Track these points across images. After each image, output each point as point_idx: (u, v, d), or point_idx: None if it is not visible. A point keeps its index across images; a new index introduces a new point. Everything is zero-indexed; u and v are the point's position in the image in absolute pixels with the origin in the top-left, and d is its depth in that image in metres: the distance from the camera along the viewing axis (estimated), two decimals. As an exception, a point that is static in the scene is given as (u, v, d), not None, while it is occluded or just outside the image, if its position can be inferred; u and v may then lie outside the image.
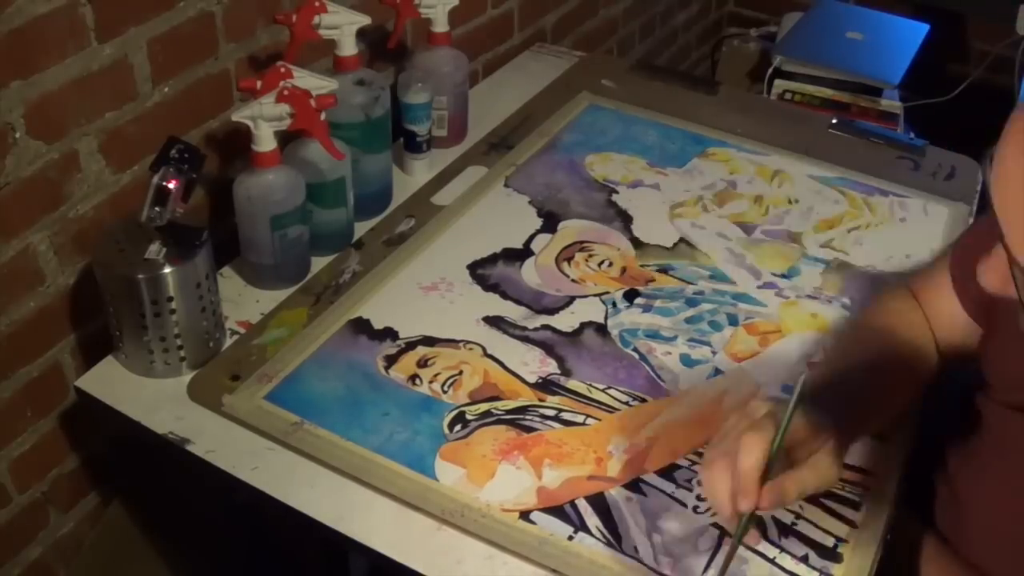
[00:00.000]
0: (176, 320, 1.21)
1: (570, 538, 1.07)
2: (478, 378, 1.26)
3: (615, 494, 1.12)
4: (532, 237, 1.50)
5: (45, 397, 1.34)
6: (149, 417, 1.19)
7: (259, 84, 1.29)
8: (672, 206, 1.59)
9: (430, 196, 1.58)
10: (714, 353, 1.32)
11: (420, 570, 1.05)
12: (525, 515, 1.10)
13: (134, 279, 1.17)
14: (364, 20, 1.43)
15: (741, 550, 1.04)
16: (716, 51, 3.19)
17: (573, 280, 1.43)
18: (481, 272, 1.43)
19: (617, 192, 1.61)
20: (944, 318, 1.20)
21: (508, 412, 1.22)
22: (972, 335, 1.16)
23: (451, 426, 1.19)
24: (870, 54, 2.58)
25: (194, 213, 1.34)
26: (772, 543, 1.08)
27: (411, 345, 1.30)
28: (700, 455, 1.16)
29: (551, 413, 1.22)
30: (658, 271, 1.45)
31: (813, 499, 1.12)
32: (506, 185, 1.61)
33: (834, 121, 1.84)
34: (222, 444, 1.16)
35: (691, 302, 1.39)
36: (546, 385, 1.26)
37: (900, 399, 1.17)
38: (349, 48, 1.44)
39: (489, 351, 1.30)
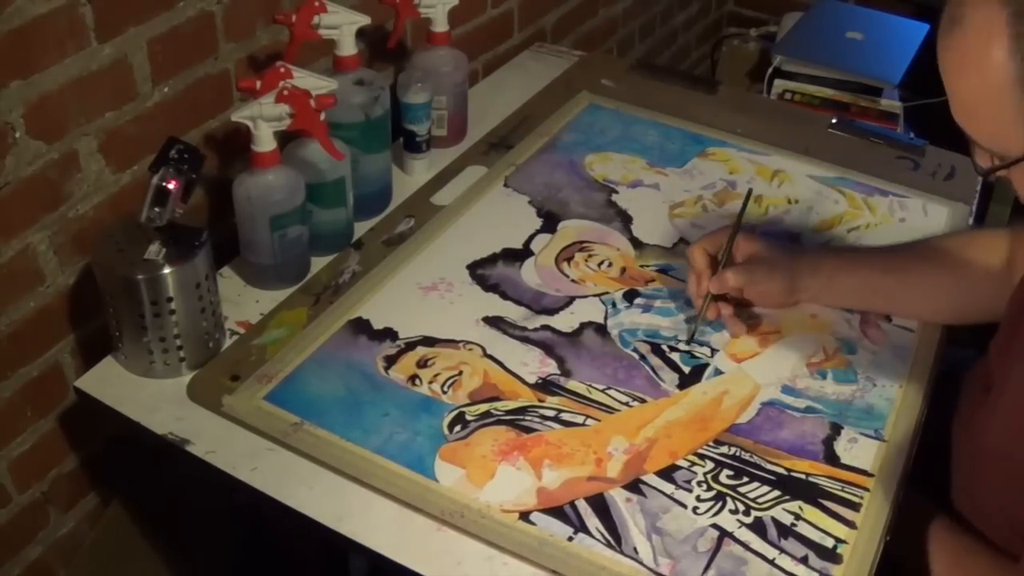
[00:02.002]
0: (176, 320, 1.20)
1: (570, 539, 1.07)
2: (478, 378, 1.26)
3: (615, 495, 1.12)
4: (532, 237, 1.50)
5: (45, 397, 1.34)
6: (149, 417, 1.19)
7: (259, 84, 1.29)
8: (672, 206, 1.59)
9: (430, 196, 1.57)
10: (714, 353, 1.32)
11: (420, 571, 1.04)
12: (525, 516, 1.09)
13: (134, 279, 1.17)
14: (364, 20, 1.43)
15: (741, 550, 1.07)
16: (716, 51, 3.19)
17: (573, 280, 1.43)
18: (481, 272, 1.43)
19: (617, 192, 1.61)
20: (991, 260, 1.28)
21: (508, 413, 1.22)
22: None
23: (451, 427, 1.19)
24: (870, 54, 2.58)
25: (194, 213, 1.33)
26: (771, 544, 1.08)
27: (411, 345, 1.30)
28: (700, 456, 1.17)
29: (551, 414, 1.22)
30: (658, 271, 1.45)
31: (812, 500, 1.12)
32: (506, 185, 1.61)
33: (834, 121, 1.84)
34: (222, 444, 1.16)
35: (691, 302, 1.38)
36: (546, 385, 1.25)
37: (888, 284, 1.33)
38: (349, 48, 1.44)
39: (489, 351, 1.30)
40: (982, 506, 1.17)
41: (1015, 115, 0.87)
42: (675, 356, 1.31)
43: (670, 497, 1.12)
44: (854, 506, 1.12)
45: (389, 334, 1.31)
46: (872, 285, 1.35)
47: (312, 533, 1.10)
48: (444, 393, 1.23)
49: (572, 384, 1.26)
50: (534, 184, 1.61)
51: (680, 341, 1.33)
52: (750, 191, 1.39)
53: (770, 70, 2.61)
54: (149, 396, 1.22)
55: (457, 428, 1.19)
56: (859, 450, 1.19)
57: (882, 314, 1.38)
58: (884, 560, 1.08)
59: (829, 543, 1.08)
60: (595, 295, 1.40)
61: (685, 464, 1.16)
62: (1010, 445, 1.10)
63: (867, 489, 1.14)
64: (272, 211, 1.30)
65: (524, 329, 1.34)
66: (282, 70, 1.30)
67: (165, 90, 1.35)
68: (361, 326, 1.32)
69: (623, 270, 1.45)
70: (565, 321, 1.35)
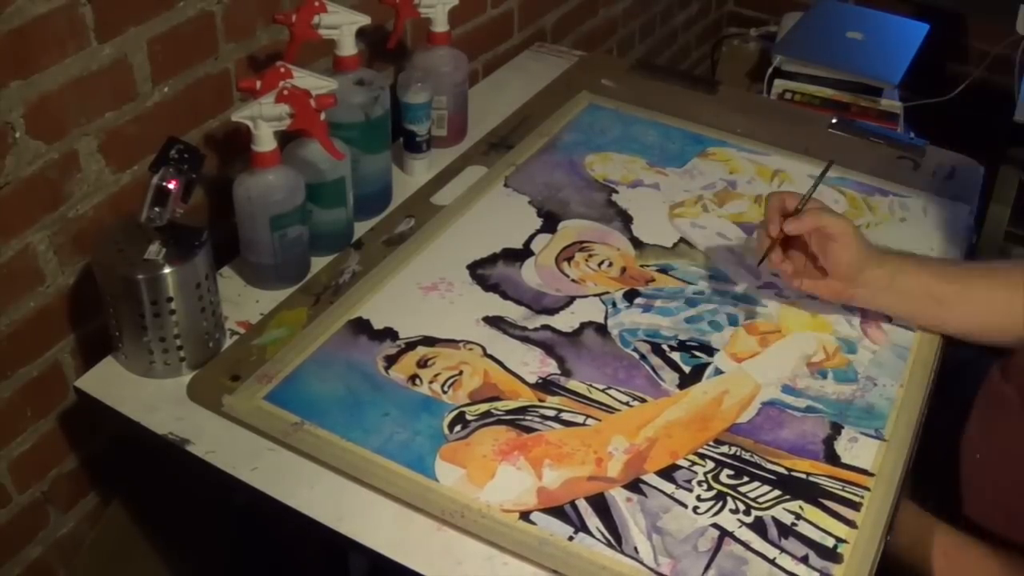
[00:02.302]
0: (176, 320, 1.20)
1: (570, 538, 1.07)
2: (478, 378, 1.25)
3: (615, 495, 1.12)
4: (532, 237, 1.50)
5: (45, 397, 1.34)
6: (149, 417, 1.19)
7: (259, 84, 1.28)
8: (672, 206, 1.59)
9: (430, 196, 1.57)
10: (714, 353, 1.31)
11: (420, 570, 1.04)
12: (525, 515, 1.09)
13: (134, 279, 1.17)
14: (364, 20, 1.43)
15: (741, 550, 1.07)
16: (716, 51, 3.19)
17: (573, 280, 1.42)
18: (481, 272, 1.43)
19: (617, 192, 1.61)
20: None
21: (508, 412, 1.21)
22: None
23: (451, 426, 1.19)
24: (870, 54, 2.57)
25: (194, 213, 1.33)
26: (772, 544, 1.07)
27: (411, 345, 1.30)
28: (700, 456, 1.17)
29: (551, 413, 1.21)
30: (658, 271, 1.45)
31: (813, 499, 1.12)
32: (506, 185, 1.61)
33: (834, 121, 1.84)
34: (222, 444, 1.16)
35: (691, 302, 1.39)
36: (546, 385, 1.25)
37: (945, 292, 1.31)
38: (349, 48, 1.44)
39: (489, 351, 1.29)
40: (995, 516, 1.18)
41: None
42: (675, 356, 1.31)
43: (670, 497, 1.12)
44: (855, 505, 1.12)
45: (389, 334, 1.31)
46: (932, 291, 1.32)
47: (312, 533, 1.10)
48: (444, 393, 1.23)
49: (572, 384, 1.26)
50: (534, 184, 1.61)
51: (678, 340, 1.33)
52: (831, 163, 1.37)
53: (770, 70, 2.61)
54: (149, 396, 1.22)
55: (457, 428, 1.19)
56: (860, 449, 1.19)
57: (932, 326, 1.35)
58: (885, 560, 1.07)
59: (830, 542, 1.08)
60: (595, 295, 1.40)
61: (685, 464, 1.16)
62: None
63: (868, 488, 1.14)
64: (272, 211, 1.30)
65: (524, 329, 1.34)
66: (282, 70, 1.29)
67: (165, 90, 1.35)
68: (361, 326, 1.32)
69: (623, 270, 1.45)
70: (565, 321, 1.35)
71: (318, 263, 1.42)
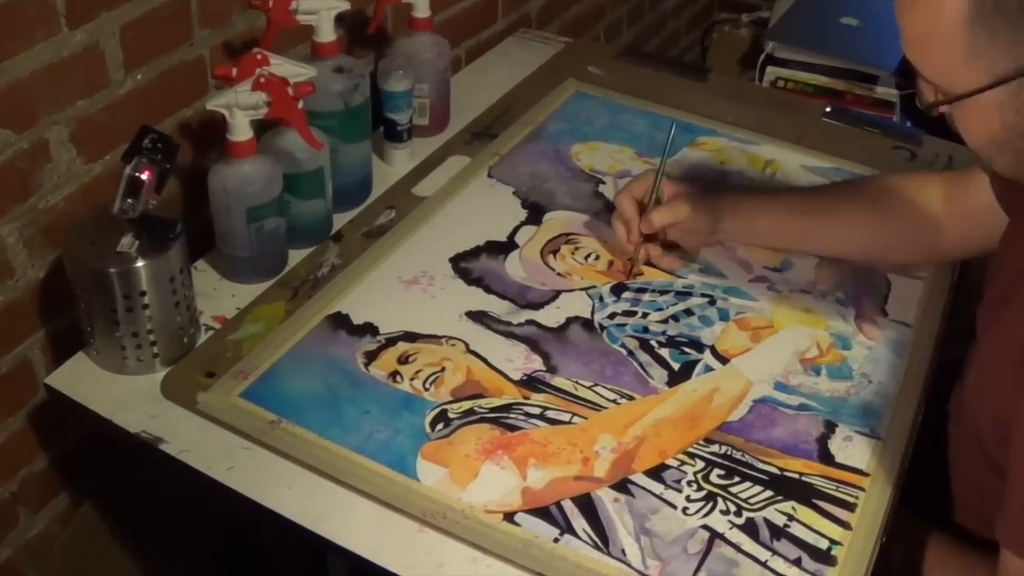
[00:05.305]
0: (149, 315, 1.20)
1: (556, 540, 1.07)
2: (461, 375, 1.25)
3: (602, 495, 1.12)
4: (516, 229, 1.49)
5: (14, 394, 1.33)
6: (121, 415, 1.18)
7: (235, 71, 1.28)
8: (661, 197, 1.58)
9: (411, 187, 1.56)
10: (704, 349, 1.31)
11: (400, 573, 1.04)
12: (509, 517, 1.09)
13: (106, 273, 1.16)
14: (343, 5, 1.42)
15: (732, 552, 1.06)
16: (706, 37, 3.18)
17: (559, 274, 1.42)
18: (464, 265, 1.42)
19: (604, 183, 1.60)
20: (973, 204, 1.28)
21: (492, 410, 1.21)
22: (997, 229, 1.19)
23: (433, 424, 1.18)
24: (865, 40, 2.57)
25: (167, 205, 1.32)
26: (764, 546, 1.07)
27: (391, 341, 1.29)
28: (690, 455, 1.16)
29: (536, 411, 1.21)
30: (646, 264, 1.43)
31: (806, 500, 1.11)
32: (489, 175, 1.60)
33: (828, 109, 1.83)
34: (196, 443, 1.15)
35: (680, 296, 1.38)
36: (531, 382, 1.25)
37: (809, 225, 1.39)
38: (327, 34, 1.43)
39: (472, 347, 1.29)
40: (965, 494, 1.20)
41: (963, 53, 0.90)
42: (664, 352, 1.30)
43: (659, 497, 1.12)
44: (849, 506, 1.12)
45: (369, 329, 1.30)
46: (791, 226, 1.40)
47: (290, 534, 1.09)
48: (426, 390, 1.23)
49: (558, 381, 1.25)
50: (519, 174, 1.60)
51: (667, 336, 1.32)
52: (673, 127, 1.38)
53: (762, 57, 2.60)
54: (122, 393, 1.21)
55: (439, 426, 1.18)
56: (854, 449, 1.19)
57: (804, 253, 1.44)
58: (880, 562, 1.07)
59: (823, 545, 1.08)
60: (582, 289, 1.39)
61: (675, 463, 1.16)
62: (975, 409, 1.11)
63: (862, 489, 1.14)
64: (248, 202, 1.30)
65: (508, 324, 1.33)
66: (259, 57, 1.29)
67: (138, 77, 1.34)
68: (340, 321, 1.31)
69: (610, 263, 1.44)
70: (551, 316, 1.35)
71: (296, 256, 1.41)
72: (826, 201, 1.41)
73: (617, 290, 1.39)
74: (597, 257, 1.45)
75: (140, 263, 1.16)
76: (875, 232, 1.38)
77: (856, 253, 1.41)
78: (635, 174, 1.60)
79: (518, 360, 1.27)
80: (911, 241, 1.37)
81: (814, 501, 1.12)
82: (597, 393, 1.24)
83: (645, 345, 1.31)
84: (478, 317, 1.33)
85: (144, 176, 1.14)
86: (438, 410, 1.20)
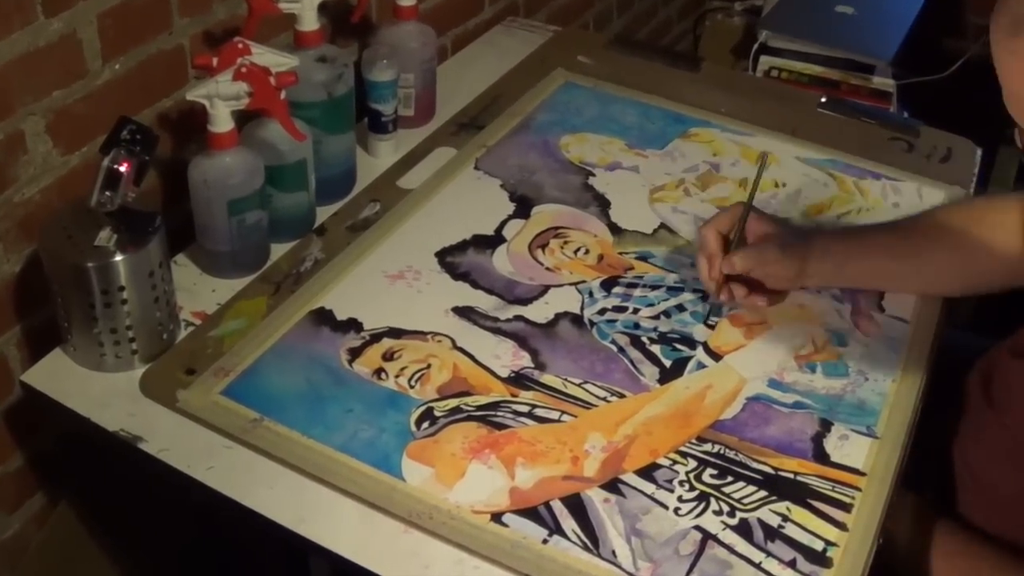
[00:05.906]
0: (128, 311, 1.19)
1: (544, 541, 1.06)
2: (447, 372, 1.24)
3: (592, 495, 1.11)
4: (504, 223, 1.48)
5: (-12, 392, 1.32)
6: (99, 413, 1.18)
7: (215, 61, 1.28)
8: (652, 190, 1.57)
9: (396, 179, 1.56)
10: (696, 346, 1.30)
11: (385, 575, 1.03)
12: (497, 517, 1.08)
13: (83, 267, 1.15)
14: (327, -7, 1.42)
15: (725, 553, 1.06)
16: (698, 26, 3.18)
17: (547, 268, 1.41)
18: (450, 260, 1.41)
19: (594, 175, 1.59)
20: (1001, 237, 1.30)
21: (479, 408, 1.20)
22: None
23: (418, 423, 1.18)
24: (861, 29, 2.57)
25: (147, 197, 1.31)
26: (758, 547, 1.06)
27: (376, 337, 1.28)
28: (682, 454, 1.16)
29: (524, 409, 1.20)
30: (637, 259, 1.43)
31: (801, 500, 1.11)
32: (476, 168, 1.59)
33: (823, 100, 1.82)
34: (176, 442, 1.14)
35: (672, 291, 1.37)
36: (519, 379, 1.24)
37: (899, 269, 1.36)
38: (310, 23, 1.42)
39: (459, 343, 1.28)
40: (990, 521, 1.18)
41: None
42: (655, 349, 1.29)
43: (650, 497, 1.11)
44: (845, 507, 1.11)
45: (353, 325, 1.30)
46: (883, 271, 1.36)
47: (271, 535, 1.08)
48: (411, 387, 1.22)
49: (547, 378, 1.24)
50: (506, 167, 1.59)
51: (658, 332, 1.32)
52: (764, 157, 1.35)
53: (756, 46, 2.61)
54: (99, 391, 1.21)
55: (425, 424, 1.18)
56: (850, 448, 1.18)
57: (891, 291, 1.40)
58: (877, 564, 1.07)
59: (819, 546, 1.07)
60: (571, 284, 1.39)
61: (666, 463, 1.15)
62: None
63: (859, 489, 1.13)
64: (229, 195, 1.29)
65: (496, 320, 1.32)
66: (240, 46, 1.29)
67: (116, 67, 1.33)
68: (323, 317, 1.31)
69: (600, 257, 1.43)
70: (539, 311, 1.34)
71: (278, 250, 1.41)
72: (916, 242, 1.36)
73: (607, 285, 1.38)
74: (587, 251, 1.44)
75: (118, 257, 1.15)
76: (964, 272, 1.35)
77: (944, 291, 1.39)
78: (625, 165, 1.62)
79: (506, 357, 1.27)
80: (998, 277, 1.33)
81: (809, 501, 1.11)
82: (587, 391, 1.23)
83: (636, 341, 1.30)
84: (465, 313, 1.32)
85: (123, 168, 1.14)
86: (424, 408, 1.19)
